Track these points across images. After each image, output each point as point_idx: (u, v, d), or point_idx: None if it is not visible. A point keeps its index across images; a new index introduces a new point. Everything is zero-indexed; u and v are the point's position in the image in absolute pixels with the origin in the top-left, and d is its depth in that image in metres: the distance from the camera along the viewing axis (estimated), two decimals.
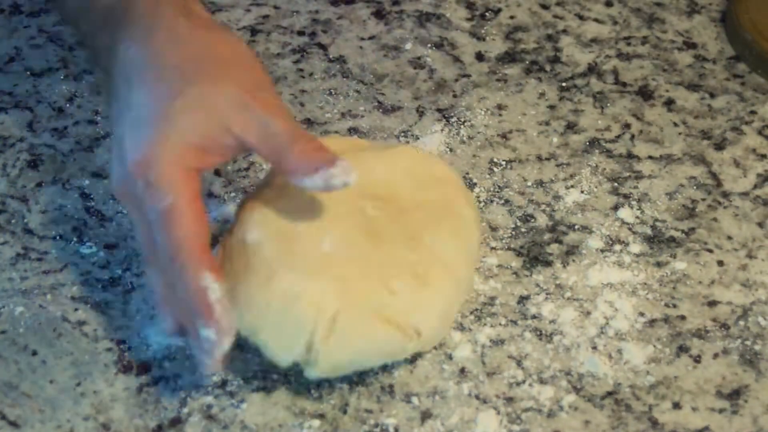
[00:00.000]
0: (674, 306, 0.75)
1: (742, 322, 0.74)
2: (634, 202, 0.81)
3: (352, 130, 0.86)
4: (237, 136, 0.65)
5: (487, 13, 0.97)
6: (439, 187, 0.72)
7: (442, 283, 0.68)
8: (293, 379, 0.70)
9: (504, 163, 0.84)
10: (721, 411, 0.70)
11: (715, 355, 0.72)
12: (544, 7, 0.98)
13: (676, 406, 0.70)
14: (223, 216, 0.79)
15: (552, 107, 0.89)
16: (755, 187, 0.83)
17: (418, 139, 0.85)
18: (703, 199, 0.82)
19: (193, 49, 0.67)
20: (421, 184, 0.71)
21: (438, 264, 0.68)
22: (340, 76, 0.91)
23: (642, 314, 0.74)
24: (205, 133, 0.65)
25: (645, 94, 0.90)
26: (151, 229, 0.65)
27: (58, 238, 0.78)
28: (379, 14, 0.96)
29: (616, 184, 0.82)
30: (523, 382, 0.70)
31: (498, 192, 0.82)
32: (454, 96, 0.89)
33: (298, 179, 0.65)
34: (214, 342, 0.63)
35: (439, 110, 0.88)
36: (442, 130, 0.86)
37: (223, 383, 0.70)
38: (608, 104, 0.89)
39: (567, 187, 0.82)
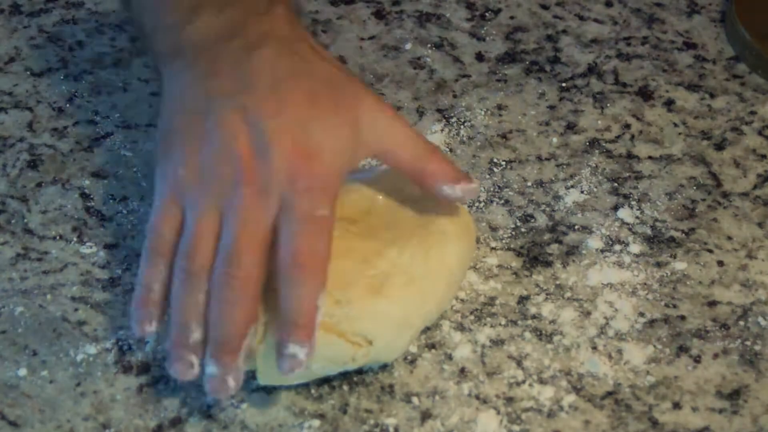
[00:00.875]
0: (674, 306, 0.75)
1: (742, 322, 0.74)
2: (634, 202, 0.81)
3: None
4: (388, 149, 0.70)
5: (487, 13, 0.97)
6: (419, 205, 0.73)
7: (400, 294, 0.69)
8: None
9: (504, 163, 0.84)
10: (721, 411, 0.70)
11: (715, 355, 0.72)
12: (544, 7, 0.98)
13: (676, 406, 0.70)
14: None
15: (552, 107, 0.89)
16: (755, 187, 0.83)
17: None
18: (703, 200, 0.82)
19: (329, 68, 0.71)
20: (400, 203, 0.73)
21: (399, 277, 0.69)
22: None
23: (642, 314, 0.74)
24: (357, 156, 0.70)
25: (645, 94, 0.90)
26: (235, 221, 0.65)
27: (58, 238, 0.78)
28: (379, 14, 0.96)
29: (616, 184, 0.82)
30: (523, 382, 0.70)
31: (498, 192, 0.82)
32: (454, 96, 0.89)
33: (437, 185, 0.70)
34: (298, 362, 0.64)
35: (439, 110, 0.88)
36: (442, 130, 0.86)
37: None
38: (608, 104, 0.89)
39: (567, 187, 0.82)
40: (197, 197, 0.67)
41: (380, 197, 0.73)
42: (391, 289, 0.68)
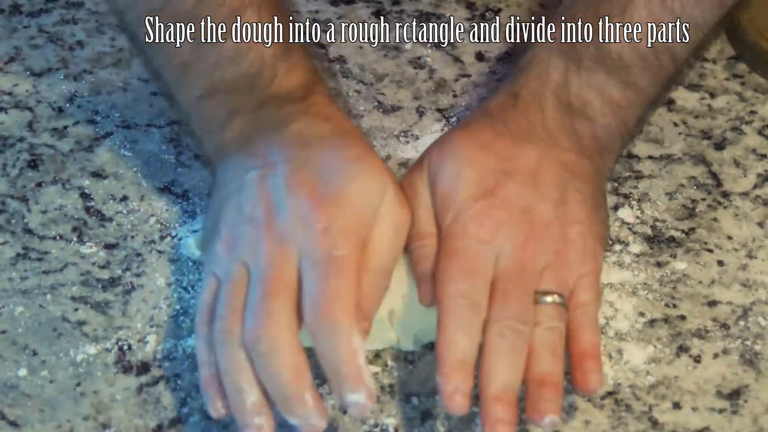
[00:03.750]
0: (674, 306, 0.75)
1: (742, 322, 0.74)
2: (634, 202, 0.81)
3: None
4: None
5: (487, 13, 0.97)
6: None
7: None
8: None
9: None
10: (721, 411, 0.70)
11: (715, 355, 0.72)
12: (545, 7, 0.98)
13: (676, 406, 0.70)
14: None
15: None
16: (755, 187, 0.83)
17: (418, 139, 0.85)
18: (703, 199, 0.82)
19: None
20: None
21: None
22: (340, 76, 0.91)
23: (642, 314, 0.74)
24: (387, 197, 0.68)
25: None
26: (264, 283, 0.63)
27: (58, 238, 0.78)
28: (379, 14, 0.96)
29: (616, 184, 0.82)
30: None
31: None
32: (454, 96, 0.89)
33: None
34: (363, 405, 0.61)
35: (439, 110, 0.88)
36: (442, 130, 0.86)
37: None
38: None
39: None
40: (227, 264, 0.66)
41: None
42: None
